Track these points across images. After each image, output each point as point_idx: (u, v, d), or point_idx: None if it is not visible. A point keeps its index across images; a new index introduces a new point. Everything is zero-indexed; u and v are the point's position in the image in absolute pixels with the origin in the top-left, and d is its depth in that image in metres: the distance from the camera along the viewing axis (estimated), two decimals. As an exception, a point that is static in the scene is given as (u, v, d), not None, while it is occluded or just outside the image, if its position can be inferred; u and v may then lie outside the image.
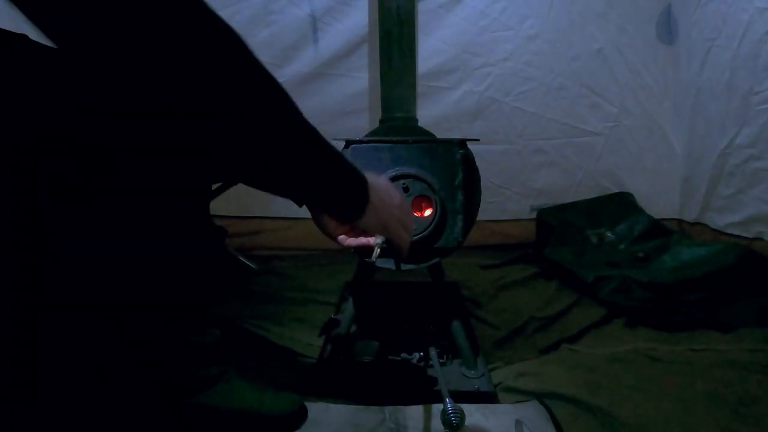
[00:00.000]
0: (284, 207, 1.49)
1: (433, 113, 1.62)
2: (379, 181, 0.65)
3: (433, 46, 1.61)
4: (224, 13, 0.43)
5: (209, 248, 0.62)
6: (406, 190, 0.85)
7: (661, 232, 1.62)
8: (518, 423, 0.70)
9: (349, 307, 0.95)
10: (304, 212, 0.62)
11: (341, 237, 0.65)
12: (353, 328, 0.96)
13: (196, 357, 0.64)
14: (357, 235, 0.66)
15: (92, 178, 0.46)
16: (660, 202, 1.78)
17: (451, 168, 0.86)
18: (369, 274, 0.98)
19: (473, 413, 0.75)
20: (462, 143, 0.87)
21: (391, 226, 0.65)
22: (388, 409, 0.77)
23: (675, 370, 0.89)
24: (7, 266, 0.45)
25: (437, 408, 0.75)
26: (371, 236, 0.67)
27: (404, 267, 0.88)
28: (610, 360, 0.94)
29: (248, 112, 0.46)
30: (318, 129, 0.56)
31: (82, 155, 0.46)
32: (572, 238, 1.60)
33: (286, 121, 0.51)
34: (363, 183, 0.60)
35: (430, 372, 0.87)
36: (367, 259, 0.69)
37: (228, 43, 0.44)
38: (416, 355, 0.91)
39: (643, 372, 0.89)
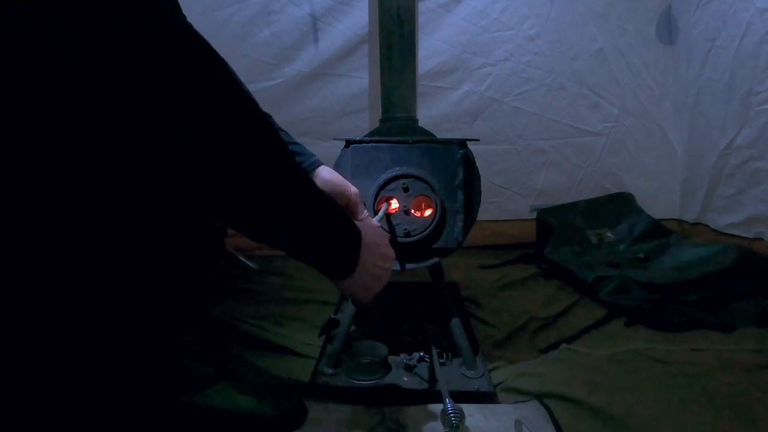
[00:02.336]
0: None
1: (433, 113, 1.62)
2: (373, 239, 0.60)
3: (433, 46, 1.61)
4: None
5: (209, 248, 0.62)
6: (406, 190, 0.86)
7: (661, 233, 1.62)
8: (518, 423, 0.70)
9: (349, 307, 0.95)
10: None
11: None
12: (353, 328, 0.96)
13: (195, 357, 0.64)
14: None
15: (92, 178, 0.46)
16: (660, 202, 1.78)
17: (451, 168, 0.87)
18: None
19: (473, 413, 0.75)
20: (462, 143, 0.87)
21: (374, 291, 0.61)
22: (388, 409, 0.77)
23: (675, 370, 0.89)
24: (7, 266, 0.45)
25: (437, 408, 0.75)
26: None
27: (407, 267, 0.88)
28: (610, 360, 0.93)
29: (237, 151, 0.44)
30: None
31: (81, 155, 0.45)
32: (572, 238, 1.60)
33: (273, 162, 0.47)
34: (356, 244, 0.57)
35: (430, 372, 0.87)
36: None
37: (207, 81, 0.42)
38: (416, 355, 0.91)
39: (642, 372, 0.89)
